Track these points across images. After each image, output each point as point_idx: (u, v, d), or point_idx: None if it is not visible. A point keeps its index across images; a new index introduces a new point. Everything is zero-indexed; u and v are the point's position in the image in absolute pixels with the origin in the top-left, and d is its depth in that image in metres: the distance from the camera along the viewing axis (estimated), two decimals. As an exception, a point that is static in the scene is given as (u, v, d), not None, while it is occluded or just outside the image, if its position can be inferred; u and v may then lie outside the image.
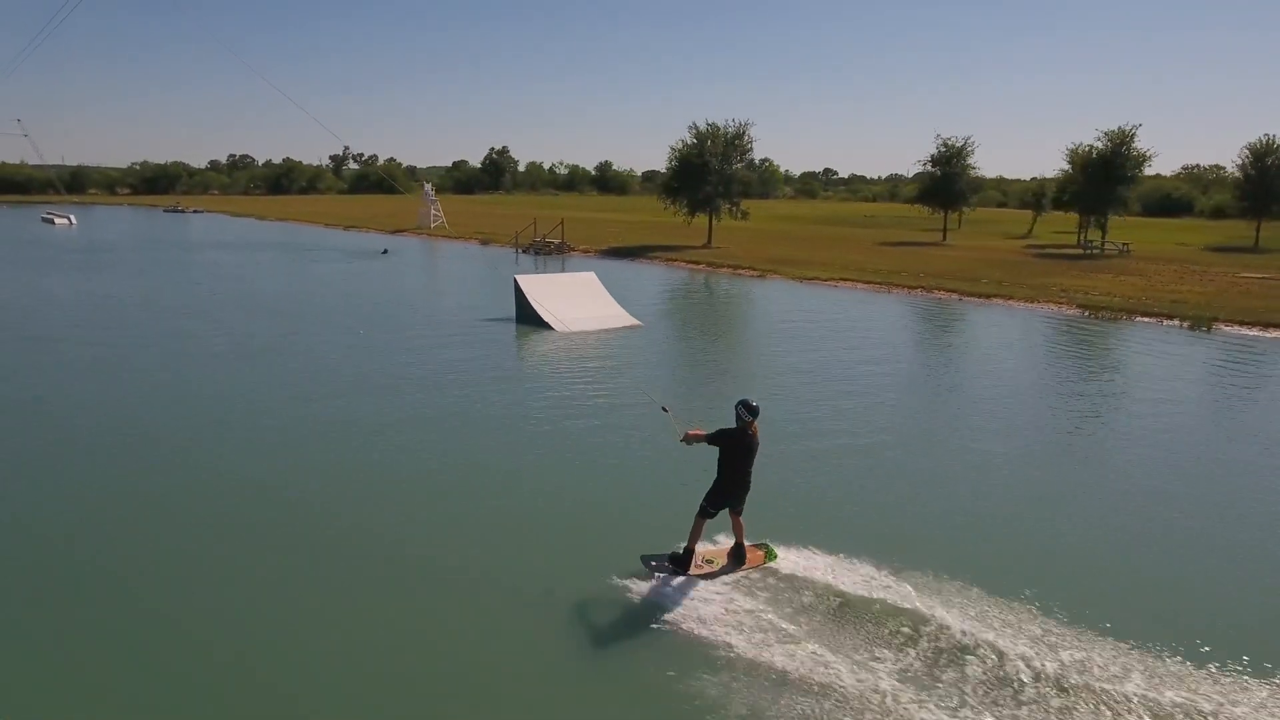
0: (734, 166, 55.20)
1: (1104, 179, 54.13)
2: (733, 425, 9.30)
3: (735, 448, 9.19)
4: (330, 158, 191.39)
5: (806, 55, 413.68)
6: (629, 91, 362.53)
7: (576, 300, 27.86)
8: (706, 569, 9.54)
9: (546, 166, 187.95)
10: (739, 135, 54.98)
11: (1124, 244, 53.15)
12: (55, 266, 42.99)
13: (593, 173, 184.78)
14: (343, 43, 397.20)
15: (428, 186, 78.04)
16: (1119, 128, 53.50)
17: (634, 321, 27.21)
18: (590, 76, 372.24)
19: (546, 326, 26.24)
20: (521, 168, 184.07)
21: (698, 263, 47.14)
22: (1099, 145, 54.68)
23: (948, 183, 62.20)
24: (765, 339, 25.76)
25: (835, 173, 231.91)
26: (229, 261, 46.99)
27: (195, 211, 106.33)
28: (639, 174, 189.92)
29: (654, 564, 9.61)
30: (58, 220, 79.56)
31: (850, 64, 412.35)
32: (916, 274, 40.38)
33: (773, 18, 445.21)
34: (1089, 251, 53.49)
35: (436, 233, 71.64)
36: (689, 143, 54.75)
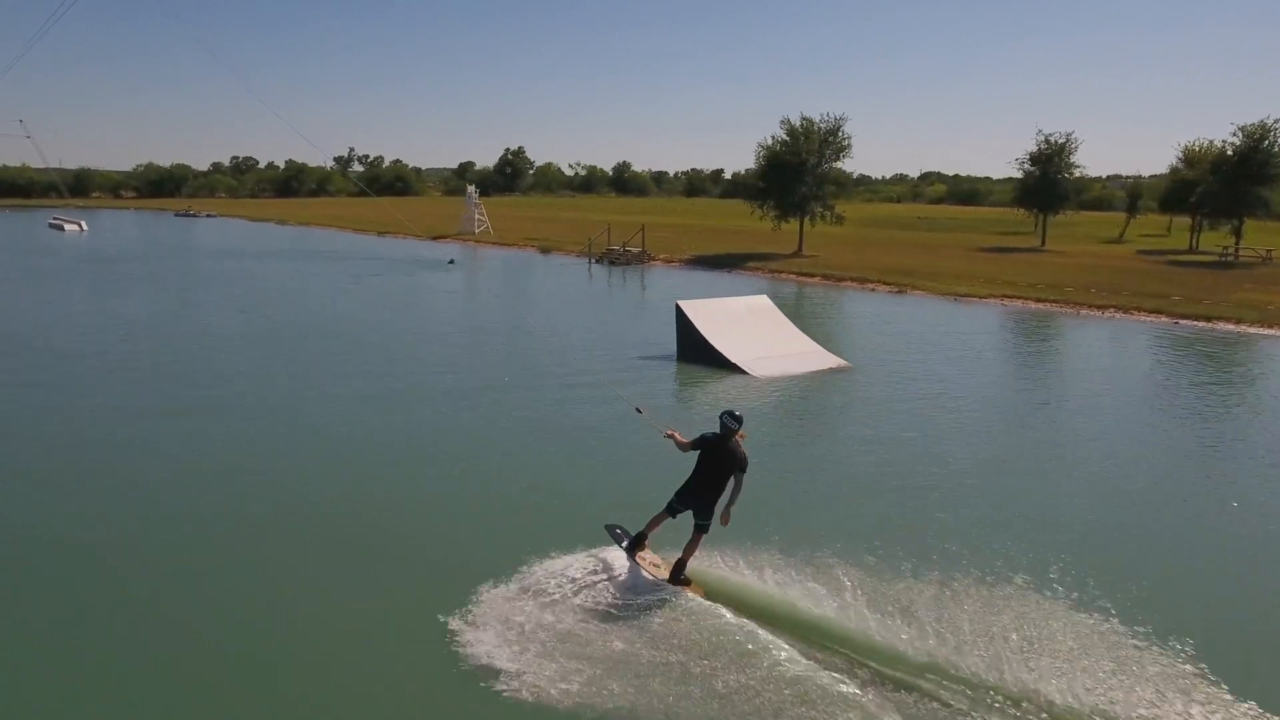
0: (829, 165, 49.71)
1: (1238, 179, 48.83)
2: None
3: (713, 451, 9.05)
4: (335, 159, 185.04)
5: (805, 55, 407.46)
6: (630, 91, 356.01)
7: (758, 333, 22.38)
8: (653, 571, 9.32)
9: (559, 167, 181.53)
10: (834, 131, 49.54)
11: (1268, 250, 47.81)
12: (86, 283, 37.31)
13: (610, 174, 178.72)
14: (343, 44, 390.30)
15: (471, 189, 72.13)
16: (1260, 122, 48.18)
17: (839, 361, 21.68)
18: (596, 76, 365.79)
19: (730, 369, 20.73)
20: (531, 170, 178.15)
21: (809, 274, 41.66)
22: (1235, 141, 49.38)
23: (1048, 184, 56.73)
24: (1034, 386, 20.28)
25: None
26: (278, 274, 41.34)
27: (208, 216, 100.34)
28: (647, 175, 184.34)
29: (619, 532, 9.83)
30: (67, 226, 73.62)
31: (851, 64, 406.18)
32: (1082, 288, 34.97)
33: (775, 18, 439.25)
34: (1224, 258, 48.16)
35: (482, 239, 66.04)
36: (781, 139, 49.29)
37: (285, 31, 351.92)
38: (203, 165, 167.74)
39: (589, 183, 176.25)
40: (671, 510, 9.29)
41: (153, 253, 54.13)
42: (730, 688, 7.46)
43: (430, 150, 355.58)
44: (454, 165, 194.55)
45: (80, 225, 74.03)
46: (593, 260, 49.25)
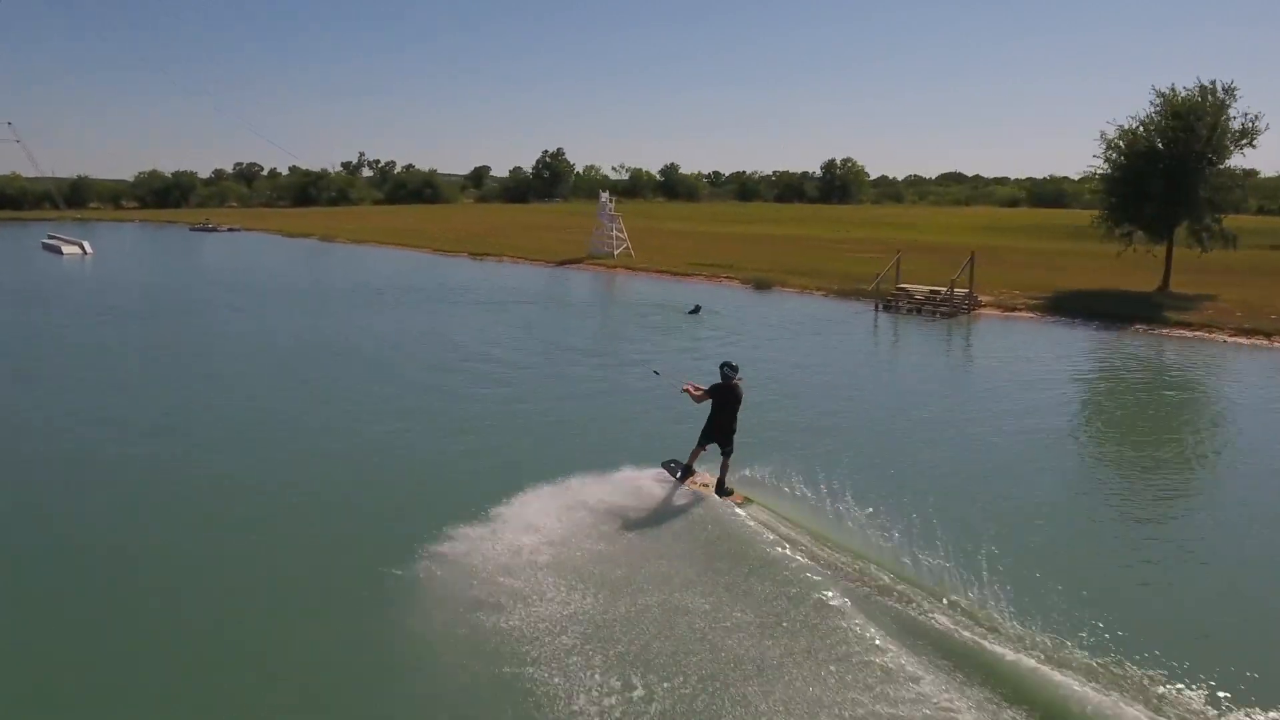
0: (1221, 163, 33.51)
1: None
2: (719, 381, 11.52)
3: (723, 397, 11.33)
4: (342, 164, 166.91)
5: (805, 56, 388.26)
6: (629, 94, 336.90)
7: None
8: (704, 490, 11.66)
9: (601, 170, 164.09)
10: (1219, 110, 33.26)
11: None
12: (133, 389, 20.59)
13: (658, 177, 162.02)
14: (343, 46, 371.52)
15: (604, 197, 55.19)
16: None
17: None
18: (595, 78, 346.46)
19: None
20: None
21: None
22: None
23: None
24: None
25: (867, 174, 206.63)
26: (473, 336, 24.77)
27: (230, 230, 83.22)
28: (696, 177, 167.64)
29: (672, 465, 12.13)
30: (65, 249, 56.17)
31: (851, 64, 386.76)
32: None
33: (775, 18, 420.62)
34: None
35: (624, 263, 49.51)
36: (1155, 122, 33.08)
37: (285, 33, 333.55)
38: (205, 172, 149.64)
39: (634, 187, 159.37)
40: (700, 444, 11.63)
41: (201, 294, 37.16)
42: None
43: (432, 152, 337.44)
44: (465, 171, 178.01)
45: (82, 247, 56.68)
46: (879, 307, 32.77)
